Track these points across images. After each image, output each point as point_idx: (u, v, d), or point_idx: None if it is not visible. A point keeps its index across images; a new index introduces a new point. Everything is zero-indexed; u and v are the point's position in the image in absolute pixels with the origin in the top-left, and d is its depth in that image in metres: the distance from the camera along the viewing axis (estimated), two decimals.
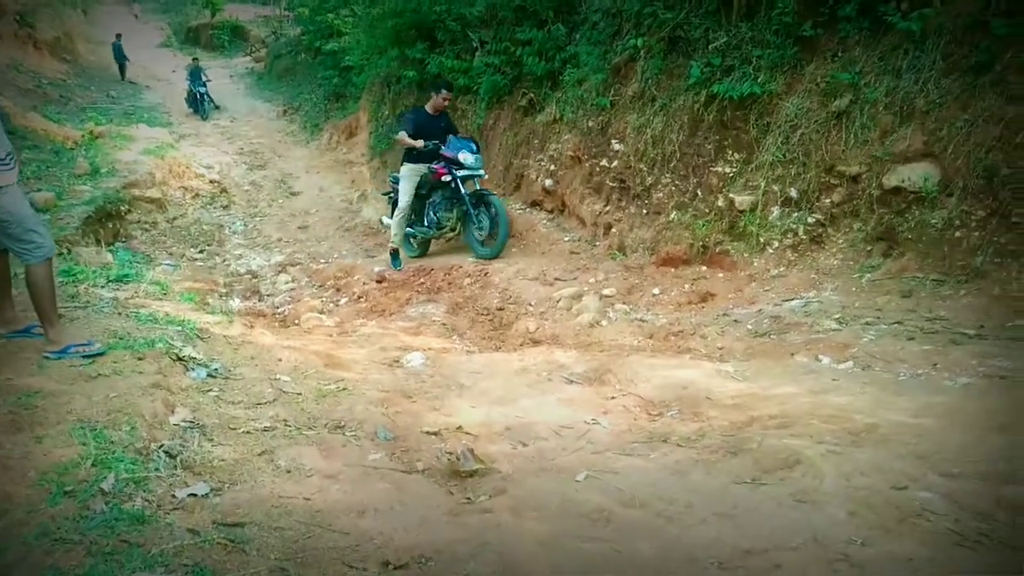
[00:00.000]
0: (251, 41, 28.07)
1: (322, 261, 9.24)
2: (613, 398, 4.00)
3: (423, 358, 4.75)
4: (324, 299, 7.31)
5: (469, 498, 2.94)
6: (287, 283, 8.19)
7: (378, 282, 7.47)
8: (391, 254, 8.15)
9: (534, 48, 8.49)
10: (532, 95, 8.80)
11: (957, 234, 4.87)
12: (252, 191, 13.19)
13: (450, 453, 3.33)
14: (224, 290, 7.93)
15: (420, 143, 7.61)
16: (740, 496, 2.77)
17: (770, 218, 5.81)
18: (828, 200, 5.53)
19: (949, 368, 3.72)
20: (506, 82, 9.10)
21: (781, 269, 5.64)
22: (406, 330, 5.61)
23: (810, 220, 5.60)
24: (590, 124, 7.61)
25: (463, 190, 7.67)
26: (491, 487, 3.03)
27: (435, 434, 3.60)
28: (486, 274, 6.99)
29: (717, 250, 6.14)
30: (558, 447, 3.44)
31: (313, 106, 18.01)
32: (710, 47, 6.35)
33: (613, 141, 7.30)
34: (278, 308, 7.13)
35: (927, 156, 5.09)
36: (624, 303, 6.08)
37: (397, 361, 4.74)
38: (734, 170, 6.16)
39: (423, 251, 8.59)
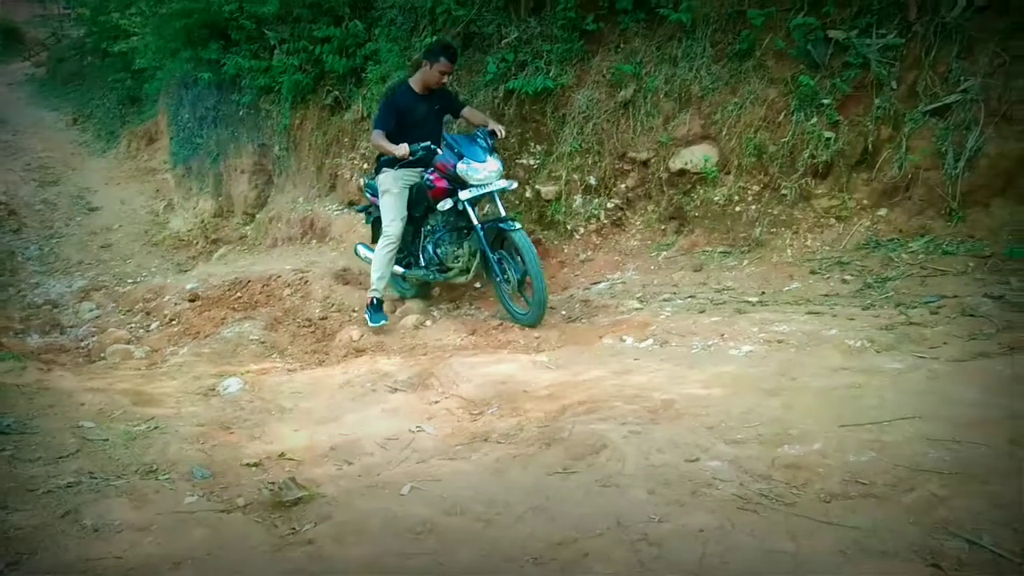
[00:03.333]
0: (28, 44, 25.52)
1: (129, 282, 8.72)
2: (437, 402, 4.09)
3: (241, 383, 4.61)
4: (132, 326, 6.90)
5: (294, 529, 2.92)
6: (91, 311, 7.66)
7: (191, 301, 7.13)
8: (369, 307, 5.65)
9: (334, 45, 8.33)
10: (337, 93, 8.66)
11: (737, 208, 5.35)
12: (45, 210, 12.15)
13: (272, 483, 3.27)
14: (20, 326, 7.31)
15: (403, 150, 5.15)
16: (552, 487, 2.93)
17: (574, 206, 6.10)
18: (623, 185, 5.89)
19: (735, 337, 4.09)
20: (309, 80, 8.88)
21: (588, 253, 5.95)
22: (222, 353, 5.42)
23: (609, 205, 5.94)
24: None
25: (475, 220, 5.25)
26: (316, 514, 3.01)
27: (256, 465, 3.53)
28: (306, 282, 6.86)
29: (531, 239, 6.36)
30: (384, 461, 3.48)
31: (106, 112, 16.71)
32: (503, 42, 6.52)
33: None
34: (82, 341, 6.67)
35: (705, 139, 5.55)
36: (448, 300, 6.18)
37: (213, 389, 4.58)
38: (538, 162, 6.40)
39: (423, 292, 6.21)
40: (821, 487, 2.65)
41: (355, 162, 8.42)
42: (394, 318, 5.85)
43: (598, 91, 6.02)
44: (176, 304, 7.11)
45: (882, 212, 4.93)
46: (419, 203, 5.65)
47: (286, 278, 7.11)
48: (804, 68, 5.18)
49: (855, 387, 3.31)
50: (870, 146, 4.97)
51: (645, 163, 5.80)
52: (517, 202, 6.53)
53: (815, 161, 5.09)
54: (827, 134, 5.06)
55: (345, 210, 8.56)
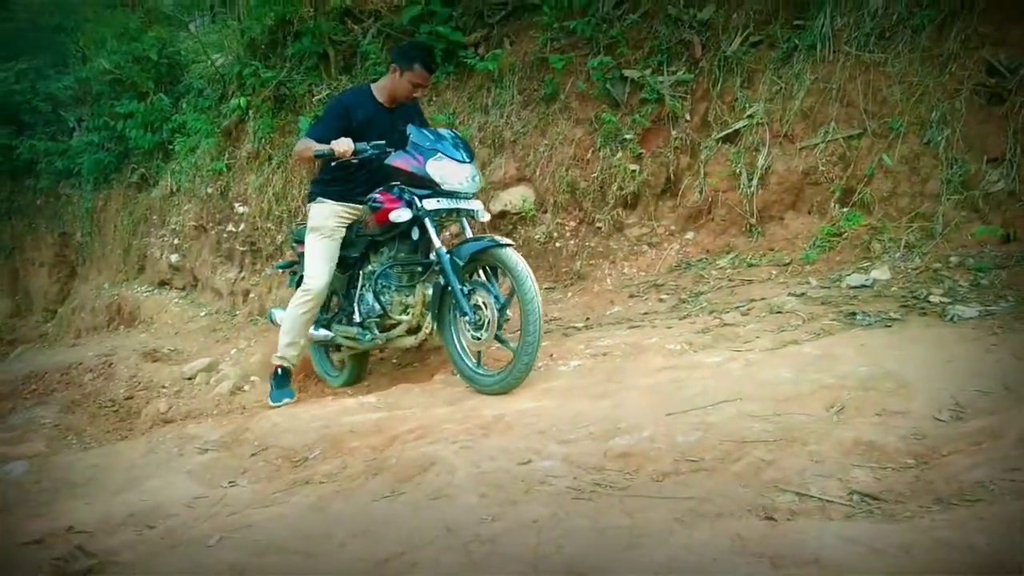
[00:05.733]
0: None
1: None
2: (253, 455, 3.75)
3: (26, 465, 4.07)
4: None
5: None
6: None
7: None
8: (274, 377, 4.41)
9: (138, 121, 7.93)
10: (143, 169, 8.23)
11: (557, 244, 5.44)
12: None
13: (57, 558, 2.84)
14: None
15: (345, 146, 3.83)
16: (379, 512, 2.70)
17: None
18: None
19: (563, 356, 4.06)
20: (112, 159, 8.42)
21: None
22: (6, 441, 4.78)
23: None
24: (209, 191, 7.30)
25: (437, 242, 3.85)
26: None
27: (38, 543, 3.05)
28: (110, 365, 6.26)
29: None
30: (191, 519, 3.09)
31: None
32: (315, 100, 6.45)
33: (236, 204, 7.07)
34: None
35: (522, 180, 5.67)
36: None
37: None
38: None
39: (355, 375, 4.80)
40: (653, 469, 2.61)
41: (165, 239, 7.96)
42: (208, 388, 5.42)
43: None
44: None
45: (689, 235, 5.16)
46: (358, 242, 4.29)
47: (88, 364, 6.48)
48: (606, 107, 5.42)
49: (678, 381, 3.34)
50: (672, 175, 5.23)
51: None
52: None
53: (624, 193, 5.29)
54: (632, 167, 5.28)
55: (156, 290, 8.00)
